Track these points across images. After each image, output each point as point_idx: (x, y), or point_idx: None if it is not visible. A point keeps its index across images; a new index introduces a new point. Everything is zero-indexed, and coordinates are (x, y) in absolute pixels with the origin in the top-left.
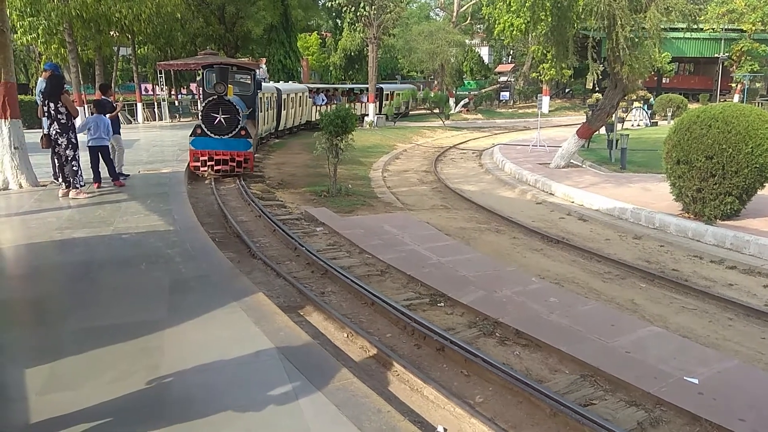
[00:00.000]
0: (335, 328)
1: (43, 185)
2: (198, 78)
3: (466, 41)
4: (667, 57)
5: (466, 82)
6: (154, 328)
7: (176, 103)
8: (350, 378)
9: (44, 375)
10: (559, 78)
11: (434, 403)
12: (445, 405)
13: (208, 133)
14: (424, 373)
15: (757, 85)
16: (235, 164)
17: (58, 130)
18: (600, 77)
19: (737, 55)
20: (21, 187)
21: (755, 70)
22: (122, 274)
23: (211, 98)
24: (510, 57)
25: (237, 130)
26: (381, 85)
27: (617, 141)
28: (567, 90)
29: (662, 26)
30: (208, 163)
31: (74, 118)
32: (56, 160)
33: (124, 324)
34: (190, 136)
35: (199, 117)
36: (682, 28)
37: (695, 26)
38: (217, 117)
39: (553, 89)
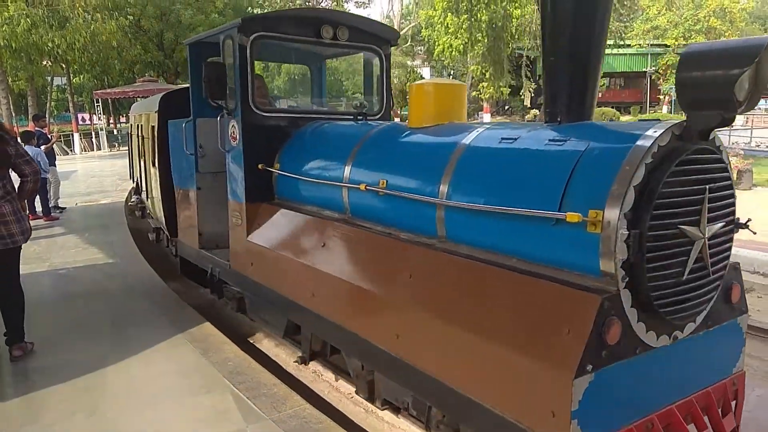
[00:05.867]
0: (287, 354)
1: None
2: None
3: (408, 63)
4: None
5: None
6: (95, 366)
7: (115, 131)
8: (303, 404)
9: None
10: (498, 96)
11: (390, 423)
12: (400, 425)
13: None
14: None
15: None
16: None
17: None
18: (533, 95)
19: (663, 68)
20: None
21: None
22: (60, 311)
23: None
24: (450, 77)
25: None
26: None
27: None
28: (506, 107)
29: None
30: None
31: None
32: None
33: (64, 363)
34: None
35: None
36: (611, 45)
37: (623, 42)
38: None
39: (493, 107)
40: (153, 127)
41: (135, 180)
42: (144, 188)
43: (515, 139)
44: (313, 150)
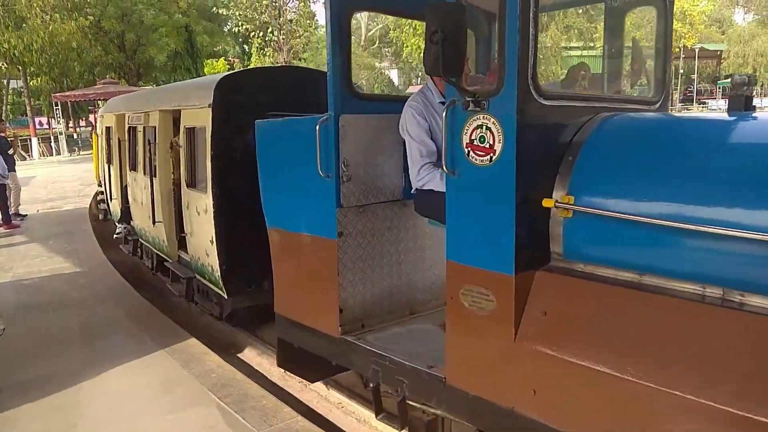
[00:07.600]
0: (271, 364)
1: None
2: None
3: (376, 64)
4: None
5: None
6: (68, 381)
7: (75, 135)
8: (294, 416)
9: None
10: None
11: None
12: None
13: None
14: (370, 404)
15: None
16: None
17: None
18: None
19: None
20: None
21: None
22: (26, 324)
23: None
24: (419, 78)
25: None
26: None
27: None
28: None
29: (562, 44)
30: None
31: None
32: None
33: (34, 380)
34: None
35: None
36: (579, 47)
37: (591, 44)
38: None
39: None
40: (194, 130)
41: (120, 202)
42: (159, 218)
43: None
44: (683, 170)
